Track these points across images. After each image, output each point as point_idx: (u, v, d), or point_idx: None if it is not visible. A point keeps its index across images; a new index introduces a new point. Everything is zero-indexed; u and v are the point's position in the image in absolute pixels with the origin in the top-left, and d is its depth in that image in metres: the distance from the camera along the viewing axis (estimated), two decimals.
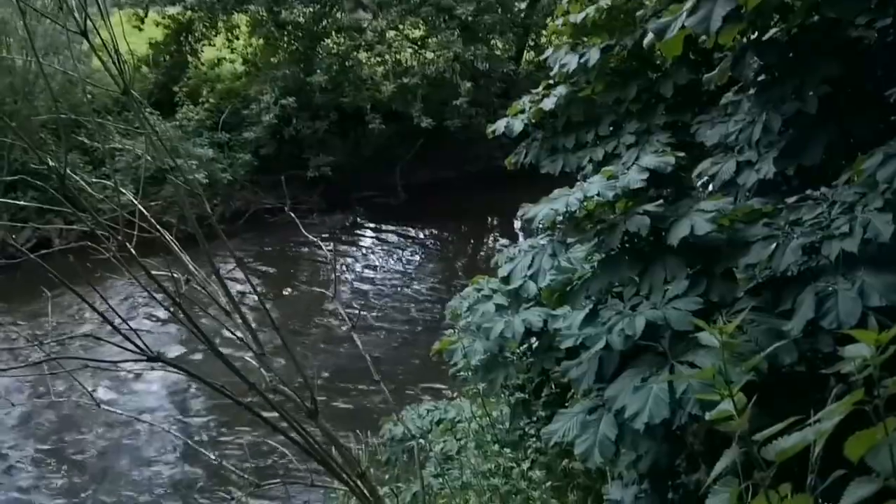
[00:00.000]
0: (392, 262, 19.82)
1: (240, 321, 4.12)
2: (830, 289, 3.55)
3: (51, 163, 3.96)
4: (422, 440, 6.96)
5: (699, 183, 5.89)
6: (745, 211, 4.08)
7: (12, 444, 11.30)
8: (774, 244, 3.76)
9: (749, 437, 1.62)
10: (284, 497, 7.91)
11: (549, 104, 6.77)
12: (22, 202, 4.94)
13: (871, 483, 1.56)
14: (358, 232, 21.87)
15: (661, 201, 4.21)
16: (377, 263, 19.62)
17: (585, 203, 4.28)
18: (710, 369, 1.62)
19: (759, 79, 4.95)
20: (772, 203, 4.22)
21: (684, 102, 6.48)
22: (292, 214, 5.37)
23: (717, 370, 1.63)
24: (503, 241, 20.11)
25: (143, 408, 12.05)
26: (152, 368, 3.98)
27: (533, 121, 6.94)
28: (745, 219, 4.05)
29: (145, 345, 3.15)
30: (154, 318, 14.28)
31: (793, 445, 1.57)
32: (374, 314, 15.84)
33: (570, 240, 4.92)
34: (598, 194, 4.20)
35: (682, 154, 4.79)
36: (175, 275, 3.97)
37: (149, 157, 4.32)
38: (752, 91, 5.08)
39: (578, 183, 4.58)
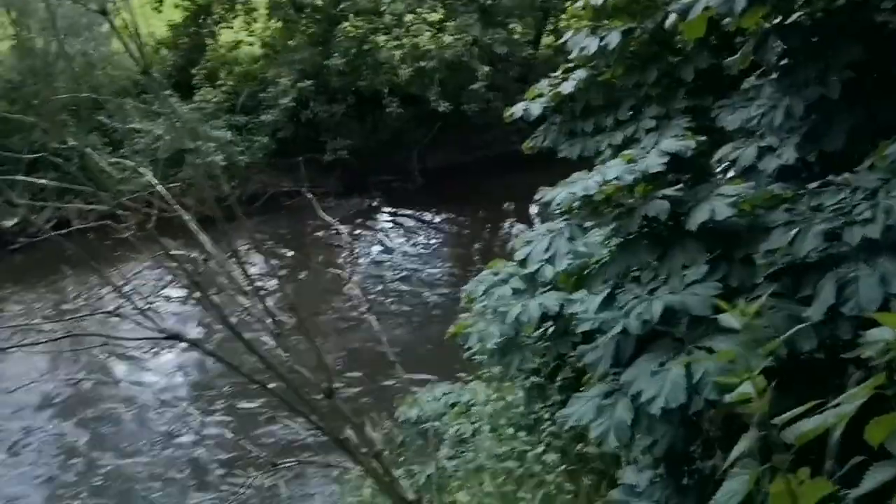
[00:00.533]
0: (408, 245, 19.82)
1: (257, 301, 4.15)
2: (851, 275, 3.51)
3: (71, 142, 3.99)
4: (436, 423, 6.99)
5: (719, 168, 5.84)
6: (766, 196, 4.04)
7: (33, 420, 11.44)
8: (795, 230, 3.73)
9: (768, 421, 1.60)
10: (301, 477, 7.99)
11: (567, 88, 6.72)
12: (44, 181, 4.98)
13: (892, 467, 1.54)
14: (375, 216, 21.87)
15: (680, 185, 4.18)
16: (394, 247, 19.63)
17: (604, 187, 4.25)
18: (730, 351, 1.61)
19: (782, 63, 4.89)
20: (793, 189, 4.19)
21: (705, 87, 6.41)
22: (310, 196, 5.39)
23: (737, 352, 1.62)
24: (520, 225, 20.05)
25: (160, 387, 12.16)
26: (171, 347, 4.01)
27: (551, 105, 6.89)
28: (766, 204, 4.01)
29: (159, 322, 3.17)
30: (173, 299, 14.35)
31: (813, 429, 1.56)
32: (390, 298, 15.87)
33: (587, 224, 4.90)
34: (616, 178, 4.17)
35: (702, 138, 4.74)
36: (193, 254, 4.00)
37: (167, 139, 4.33)
38: (774, 75, 5.02)
39: (597, 167, 4.56)
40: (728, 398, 1.69)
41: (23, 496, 9.75)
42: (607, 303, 4.24)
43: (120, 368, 12.40)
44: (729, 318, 1.72)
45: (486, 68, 22.41)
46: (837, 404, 1.71)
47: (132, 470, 10.17)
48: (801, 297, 3.66)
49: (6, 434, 11.17)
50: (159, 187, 4.27)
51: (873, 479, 1.57)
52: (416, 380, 10.19)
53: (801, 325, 3.07)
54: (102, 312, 4.31)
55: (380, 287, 16.46)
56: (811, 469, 1.78)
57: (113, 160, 4.87)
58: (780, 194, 4.05)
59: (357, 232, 19.98)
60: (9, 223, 18.39)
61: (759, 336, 2.72)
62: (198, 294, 3.82)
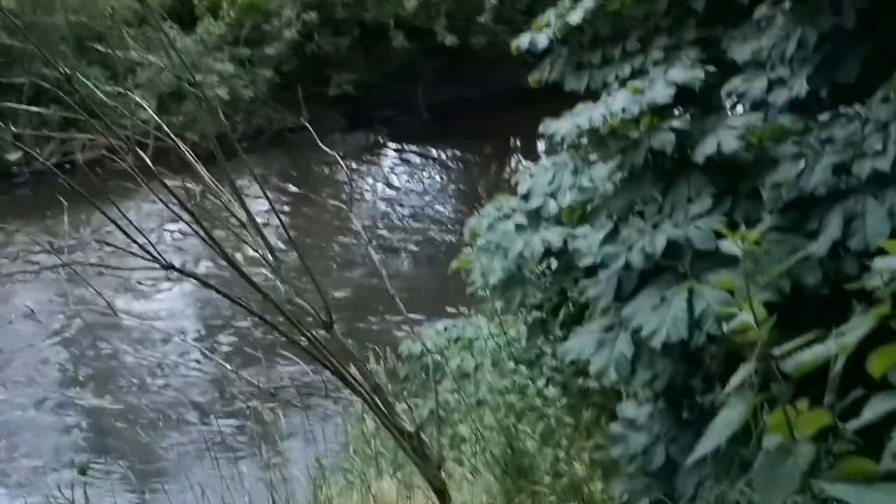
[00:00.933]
0: (414, 182, 19.74)
1: (256, 234, 4.11)
2: (859, 208, 3.44)
3: (66, 71, 3.90)
4: (438, 356, 7.02)
5: (727, 101, 5.72)
6: (775, 128, 3.95)
7: (36, 355, 11.56)
8: (803, 163, 3.65)
9: (768, 351, 1.56)
10: (305, 410, 8.06)
11: (575, 18, 6.54)
12: (47, 111, 4.90)
13: (893, 398, 1.50)
14: (380, 151, 21.74)
15: (687, 117, 4.08)
16: (399, 184, 19.54)
17: (610, 119, 4.16)
18: (730, 279, 1.56)
19: None
20: (803, 121, 4.09)
21: (716, 17, 6.23)
22: (311, 130, 5.31)
23: (737, 280, 1.57)
24: (526, 161, 19.91)
25: (161, 322, 12.26)
26: (172, 282, 3.99)
27: (558, 36, 6.72)
28: (774, 136, 3.93)
29: (160, 254, 3.14)
30: (182, 234, 14.33)
31: (813, 359, 1.52)
32: (396, 234, 15.86)
33: (592, 157, 4.82)
34: (623, 109, 4.07)
35: (711, 69, 4.62)
36: (190, 185, 3.95)
37: (169, 72, 4.25)
38: (787, 4, 4.86)
39: (603, 98, 4.45)
40: (727, 327, 1.65)
41: (20, 430, 9.90)
42: (610, 237, 4.19)
43: (121, 302, 12.47)
44: (730, 245, 1.67)
45: (494, 0, 21.96)
46: (840, 335, 1.67)
47: (132, 402, 10.30)
48: (807, 231, 3.60)
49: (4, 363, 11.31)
50: (158, 121, 4.20)
51: (873, 410, 1.53)
52: (420, 315, 10.24)
53: (801, 254, 3.01)
54: (102, 243, 4.28)
55: (385, 223, 16.44)
56: (810, 401, 1.75)
57: (115, 91, 4.79)
58: (789, 126, 3.96)
59: (362, 168, 19.88)
60: (13, 157, 18.39)
61: (761, 268, 2.68)
62: (192, 227, 3.79)
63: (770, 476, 1.46)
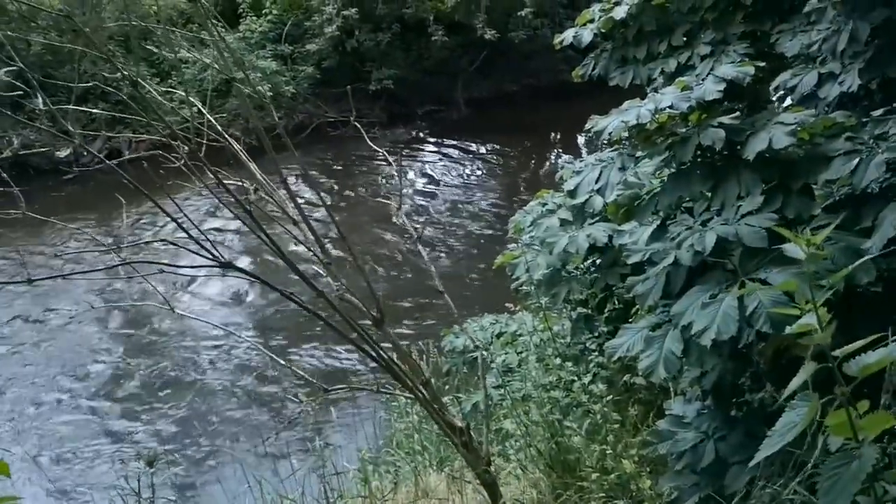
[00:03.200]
0: (453, 176, 19.76)
1: (307, 230, 4.18)
2: None
3: (124, 72, 4.00)
4: (484, 351, 7.05)
5: (776, 96, 5.65)
6: (827, 124, 3.90)
7: (90, 348, 11.83)
8: (857, 159, 3.61)
9: (830, 353, 1.57)
10: (352, 403, 8.17)
11: (620, 13, 6.52)
12: (96, 110, 5.03)
13: None
14: (419, 146, 21.81)
15: (737, 113, 4.06)
16: (438, 178, 19.59)
17: (657, 115, 4.14)
18: (792, 282, 1.57)
19: None
20: (855, 116, 4.03)
21: (764, 10, 6.16)
22: (358, 125, 5.37)
23: (799, 283, 1.58)
24: (566, 156, 19.83)
25: (212, 316, 12.45)
26: (222, 277, 4.07)
27: (602, 31, 6.70)
28: (827, 132, 3.88)
29: (217, 252, 3.21)
30: (220, 230, 14.58)
31: (876, 362, 1.53)
32: (435, 229, 15.92)
33: (639, 153, 4.81)
34: (671, 106, 4.06)
35: (761, 64, 4.58)
36: (244, 183, 4.03)
37: (216, 67, 4.32)
38: None
39: (650, 94, 4.44)
40: (790, 329, 1.66)
41: (78, 421, 10.14)
42: (658, 234, 4.18)
43: (172, 298, 12.71)
44: (794, 248, 1.68)
45: None
46: None
47: (185, 397, 10.50)
48: (860, 228, 3.56)
49: (63, 354, 11.59)
50: (209, 118, 4.29)
51: None
52: (463, 310, 10.29)
53: (864, 259, 2.98)
54: (159, 240, 4.38)
55: (425, 218, 16.50)
56: (870, 403, 1.75)
57: (163, 89, 4.90)
58: (842, 122, 3.91)
59: (402, 162, 19.96)
60: (63, 153, 18.81)
61: (818, 267, 2.66)
62: (247, 223, 3.86)
63: (834, 478, 1.48)
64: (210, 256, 3.17)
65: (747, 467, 3.54)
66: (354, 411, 8.27)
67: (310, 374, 9.41)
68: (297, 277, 3.81)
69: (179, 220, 3.50)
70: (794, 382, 1.63)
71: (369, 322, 4.15)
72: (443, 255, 15.01)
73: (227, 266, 3.18)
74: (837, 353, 1.67)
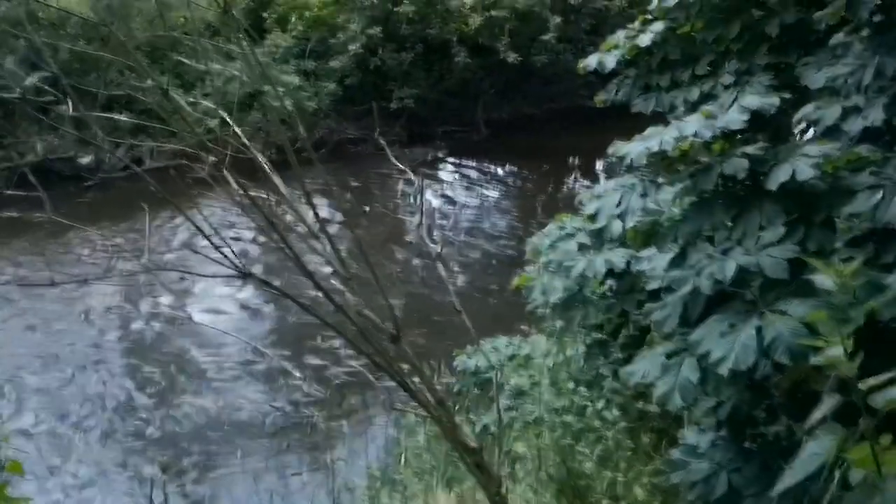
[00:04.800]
0: (471, 197, 19.80)
1: (327, 244, 4.19)
2: None
3: (153, 80, 4.05)
4: (496, 373, 7.04)
5: (798, 129, 5.65)
6: (852, 157, 3.90)
7: (107, 355, 11.88)
8: (881, 194, 3.60)
9: (856, 384, 1.57)
10: (364, 421, 8.16)
11: (645, 41, 6.54)
12: (120, 117, 5.09)
13: None
14: (438, 166, 21.87)
15: (761, 144, 4.06)
16: (456, 199, 19.62)
17: (680, 143, 4.15)
18: (822, 313, 1.57)
19: (875, 19, 4.67)
20: (880, 151, 4.03)
21: (789, 42, 6.16)
22: (382, 141, 5.40)
23: (828, 314, 1.58)
24: (584, 181, 19.84)
25: (229, 325, 12.49)
26: (241, 287, 4.11)
27: (627, 57, 6.73)
28: (851, 166, 3.88)
29: (239, 261, 3.23)
30: (240, 240, 14.63)
31: None
32: (452, 249, 15.93)
33: (660, 180, 4.81)
34: (695, 134, 4.07)
35: (787, 95, 4.58)
36: (267, 195, 4.06)
37: (243, 79, 4.36)
38: (865, 32, 4.81)
39: (673, 122, 4.45)
40: (814, 360, 1.65)
41: (91, 428, 10.17)
42: (678, 261, 4.18)
43: (189, 306, 12.76)
44: (823, 279, 1.67)
45: (558, 19, 21.99)
46: None
47: (200, 405, 10.51)
48: (882, 264, 3.55)
49: (79, 359, 11.64)
50: (235, 128, 4.32)
51: None
52: (476, 331, 10.26)
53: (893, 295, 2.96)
54: (179, 246, 4.41)
55: (443, 237, 16.51)
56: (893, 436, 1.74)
57: (190, 100, 4.95)
58: (867, 156, 3.91)
59: (420, 183, 20.01)
60: (85, 160, 18.97)
61: (839, 301, 2.65)
62: (267, 235, 3.88)
63: None
64: (231, 265, 3.19)
65: (761, 500, 3.50)
66: (365, 428, 8.26)
67: (323, 387, 9.42)
68: (313, 292, 3.83)
69: (201, 228, 3.52)
70: (817, 413, 1.62)
71: (386, 338, 4.15)
72: (458, 274, 15.01)
73: (247, 275, 3.20)
74: (862, 385, 1.66)
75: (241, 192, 3.89)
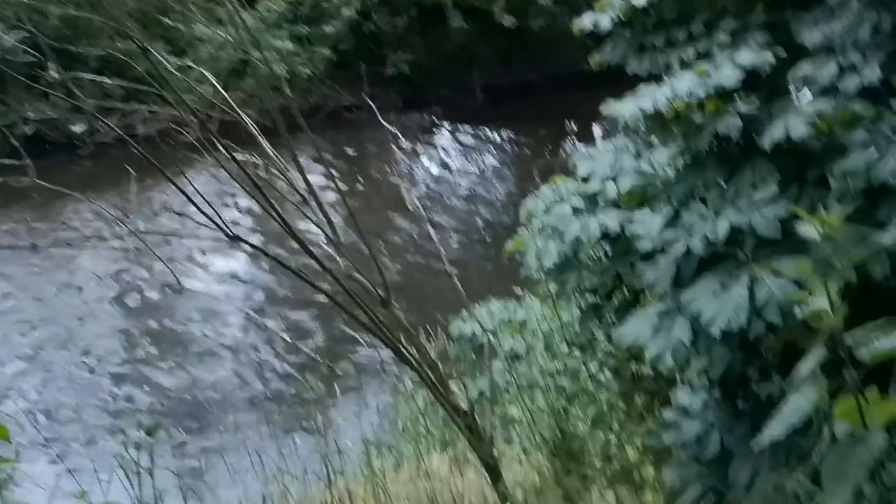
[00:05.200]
0: (467, 163, 19.72)
1: (317, 208, 4.16)
2: None
3: (142, 45, 3.98)
4: (491, 338, 7.03)
5: (794, 87, 5.58)
6: (847, 115, 3.85)
7: (97, 321, 11.88)
8: (875, 151, 3.56)
9: (841, 337, 1.54)
10: (358, 388, 8.17)
11: (639, 0, 6.44)
12: (110, 82, 5.02)
13: None
14: (434, 132, 21.75)
15: (755, 102, 4.00)
16: (452, 164, 19.54)
17: (674, 102, 4.09)
18: (805, 264, 1.54)
19: None
20: (875, 108, 3.98)
21: (786, 0, 6.07)
22: (373, 105, 5.34)
23: (812, 266, 1.55)
24: (582, 145, 19.74)
25: (219, 294, 12.48)
26: (231, 255, 4.08)
27: (622, 17, 6.63)
28: (845, 123, 3.82)
29: (226, 225, 3.20)
30: (229, 206, 14.57)
31: (890, 348, 1.49)
32: (448, 215, 15.89)
33: (653, 140, 4.76)
34: (688, 93, 4.01)
35: (781, 52, 4.51)
36: (256, 158, 4.02)
37: (232, 44, 4.29)
38: None
39: (666, 80, 4.39)
40: (800, 313, 1.62)
41: (82, 394, 10.19)
42: (671, 222, 4.14)
43: (181, 274, 12.74)
44: (808, 229, 1.64)
45: None
46: None
47: (190, 371, 10.54)
48: (876, 221, 3.52)
49: (69, 323, 11.65)
50: (224, 94, 4.27)
51: None
52: (472, 296, 10.27)
53: (877, 245, 2.94)
54: (168, 209, 4.37)
55: (438, 204, 16.46)
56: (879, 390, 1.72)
57: (180, 66, 4.88)
58: (862, 113, 3.85)
59: (416, 148, 19.91)
60: (78, 128, 18.85)
61: (832, 254, 2.62)
62: (257, 198, 3.85)
63: (839, 464, 1.45)
64: (220, 229, 3.17)
65: (752, 459, 3.51)
66: (360, 394, 8.28)
67: (317, 354, 9.43)
68: (306, 260, 3.80)
69: (185, 192, 3.49)
70: (805, 366, 1.60)
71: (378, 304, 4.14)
72: (455, 241, 14.99)
73: (234, 239, 3.17)
74: (849, 337, 1.64)
75: (228, 155, 3.85)
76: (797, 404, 1.54)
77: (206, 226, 3.21)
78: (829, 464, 1.46)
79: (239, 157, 4.04)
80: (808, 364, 1.59)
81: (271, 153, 4.15)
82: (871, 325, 1.62)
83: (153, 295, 12.23)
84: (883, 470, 1.43)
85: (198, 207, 3.22)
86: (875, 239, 3.35)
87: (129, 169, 4.55)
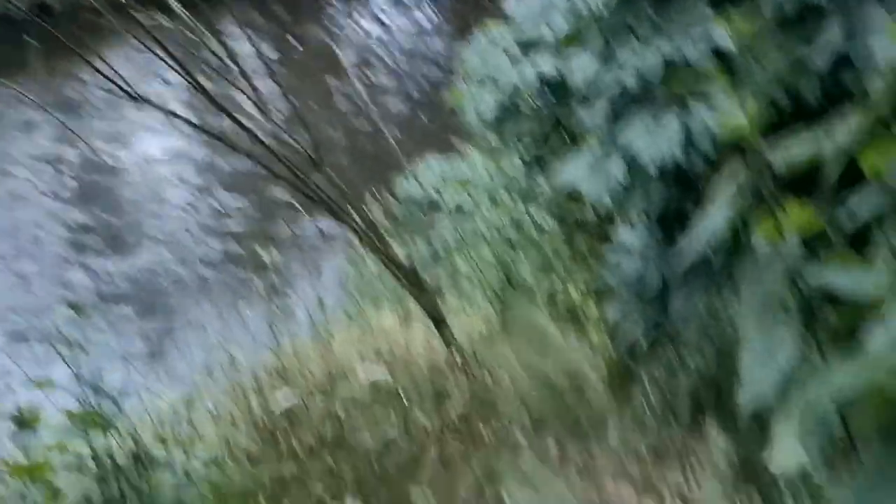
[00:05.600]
0: (406, 20, 19.05)
1: (241, 78, 3.98)
2: (862, 19, 3.26)
3: None
4: (435, 196, 7.00)
5: None
6: None
7: (35, 206, 11.54)
8: None
9: (758, 149, 1.50)
10: (311, 256, 8.14)
11: None
12: None
13: (881, 194, 1.45)
14: None
15: None
16: (391, 23, 18.87)
17: None
18: (721, 74, 1.47)
19: None
20: None
21: None
22: None
23: (731, 81, 1.48)
24: None
25: (163, 174, 12.18)
26: (138, 109, 3.95)
27: None
28: None
29: (132, 87, 3.03)
30: (165, 83, 14.00)
31: (804, 154, 1.46)
32: (388, 74, 15.49)
33: None
34: None
35: None
36: (168, 24, 3.80)
37: None
38: None
39: None
40: (721, 134, 1.57)
41: (22, 272, 10.02)
42: (604, 60, 4.03)
43: (118, 152, 12.36)
44: (723, 36, 1.56)
45: None
46: (831, 133, 1.60)
47: (140, 254, 10.40)
48: (807, 39, 3.44)
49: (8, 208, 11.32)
50: None
51: (861, 208, 1.49)
52: (417, 154, 10.15)
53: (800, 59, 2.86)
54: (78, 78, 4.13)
55: (377, 63, 16.01)
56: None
57: None
58: None
59: (351, 6, 19.13)
60: None
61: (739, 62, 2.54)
62: (172, 66, 3.65)
63: (754, 272, 1.44)
64: (123, 91, 2.99)
65: (686, 286, 3.58)
66: (310, 260, 8.28)
67: (265, 227, 9.34)
68: (239, 131, 3.67)
69: (93, 64, 3.28)
70: (722, 180, 1.56)
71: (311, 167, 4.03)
72: (399, 100, 14.67)
73: (137, 99, 3.01)
74: (767, 152, 1.60)
75: (139, 23, 3.62)
76: (713, 221, 1.52)
77: (113, 85, 3.04)
78: (746, 274, 1.45)
79: (154, 23, 3.81)
80: (726, 176, 1.56)
81: (187, 18, 3.91)
82: (788, 137, 1.58)
83: (93, 176, 11.86)
84: (799, 277, 1.42)
85: (98, 70, 3.03)
86: (805, 63, 3.28)
87: (36, 43, 4.28)
